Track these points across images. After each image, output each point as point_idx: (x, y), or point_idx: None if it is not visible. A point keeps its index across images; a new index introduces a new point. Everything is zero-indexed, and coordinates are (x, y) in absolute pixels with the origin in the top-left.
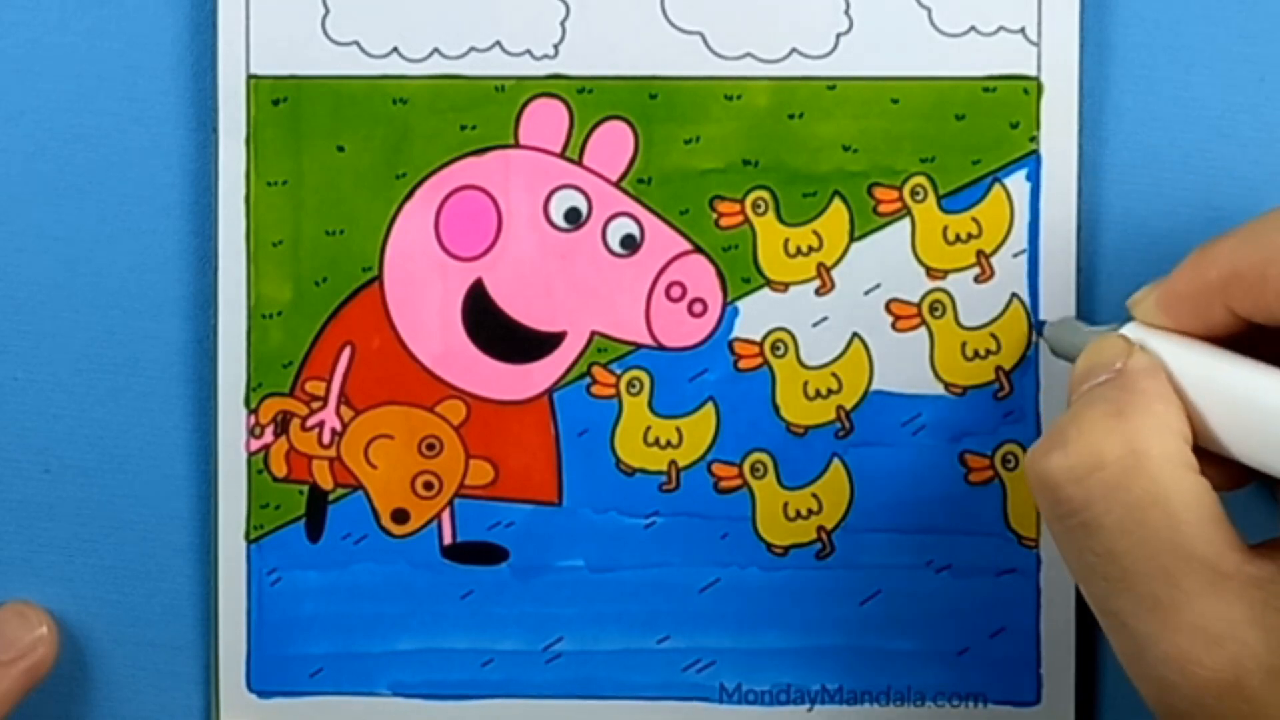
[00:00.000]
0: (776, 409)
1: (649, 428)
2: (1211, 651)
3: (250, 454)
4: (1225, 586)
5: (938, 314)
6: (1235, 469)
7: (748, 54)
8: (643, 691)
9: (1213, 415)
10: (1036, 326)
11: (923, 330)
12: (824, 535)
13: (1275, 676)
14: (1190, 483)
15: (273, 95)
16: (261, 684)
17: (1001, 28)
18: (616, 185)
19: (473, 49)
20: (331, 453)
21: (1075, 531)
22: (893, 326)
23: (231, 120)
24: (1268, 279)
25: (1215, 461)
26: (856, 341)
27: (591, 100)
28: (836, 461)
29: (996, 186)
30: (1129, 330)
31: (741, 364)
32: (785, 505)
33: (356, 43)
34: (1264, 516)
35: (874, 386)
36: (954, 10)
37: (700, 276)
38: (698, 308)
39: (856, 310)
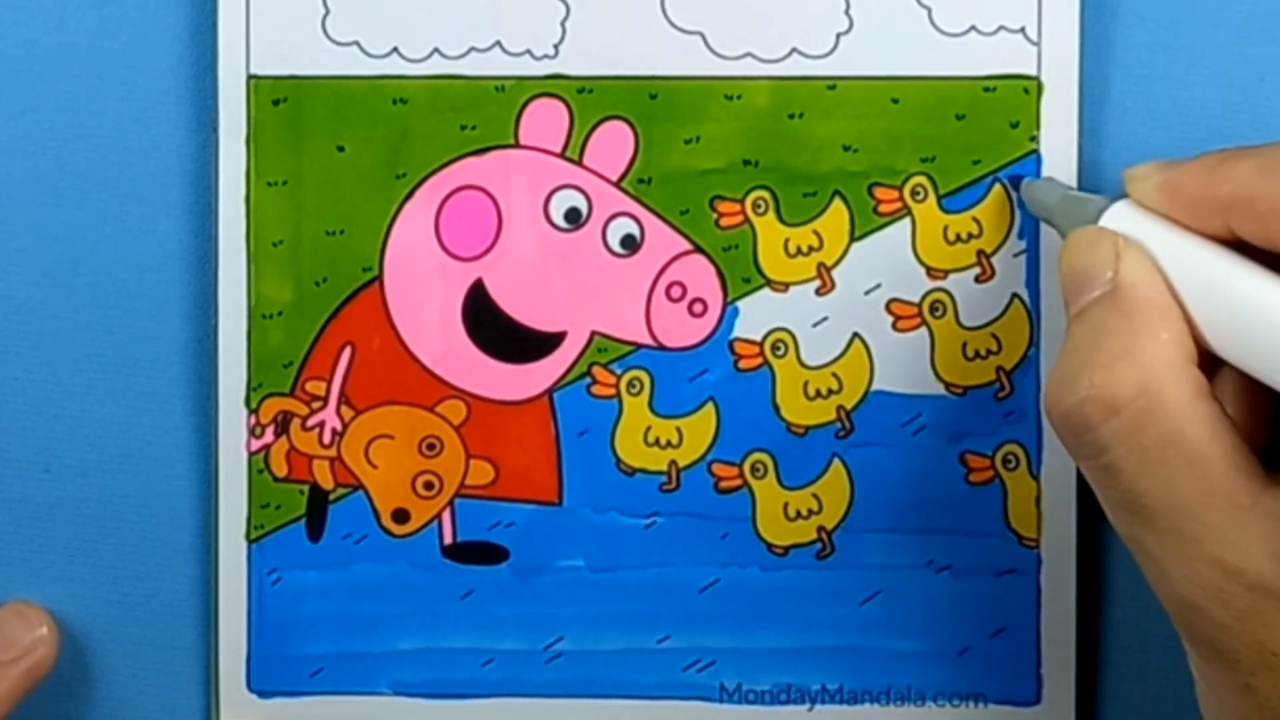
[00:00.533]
0: (777, 409)
1: (649, 428)
2: (1230, 580)
3: (251, 454)
4: (1243, 519)
5: (938, 314)
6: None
7: (748, 54)
8: (643, 691)
9: (1202, 316)
10: (1012, 181)
11: (923, 330)
12: (824, 535)
13: None
14: (1205, 413)
15: (273, 95)
16: (261, 684)
17: (1001, 27)
18: (616, 185)
19: (473, 49)
20: (332, 453)
21: (1097, 471)
22: (893, 326)
23: (231, 120)
24: None
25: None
26: (857, 341)
27: (591, 100)
28: (837, 461)
29: (997, 186)
30: (1119, 211)
31: (742, 364)
32: (785, 505)
33: (356, 43)
34: None
35: (874, 386)
36: (954, 10)
37: (700, 276)
38: (698, 308)
39: (857, 310)
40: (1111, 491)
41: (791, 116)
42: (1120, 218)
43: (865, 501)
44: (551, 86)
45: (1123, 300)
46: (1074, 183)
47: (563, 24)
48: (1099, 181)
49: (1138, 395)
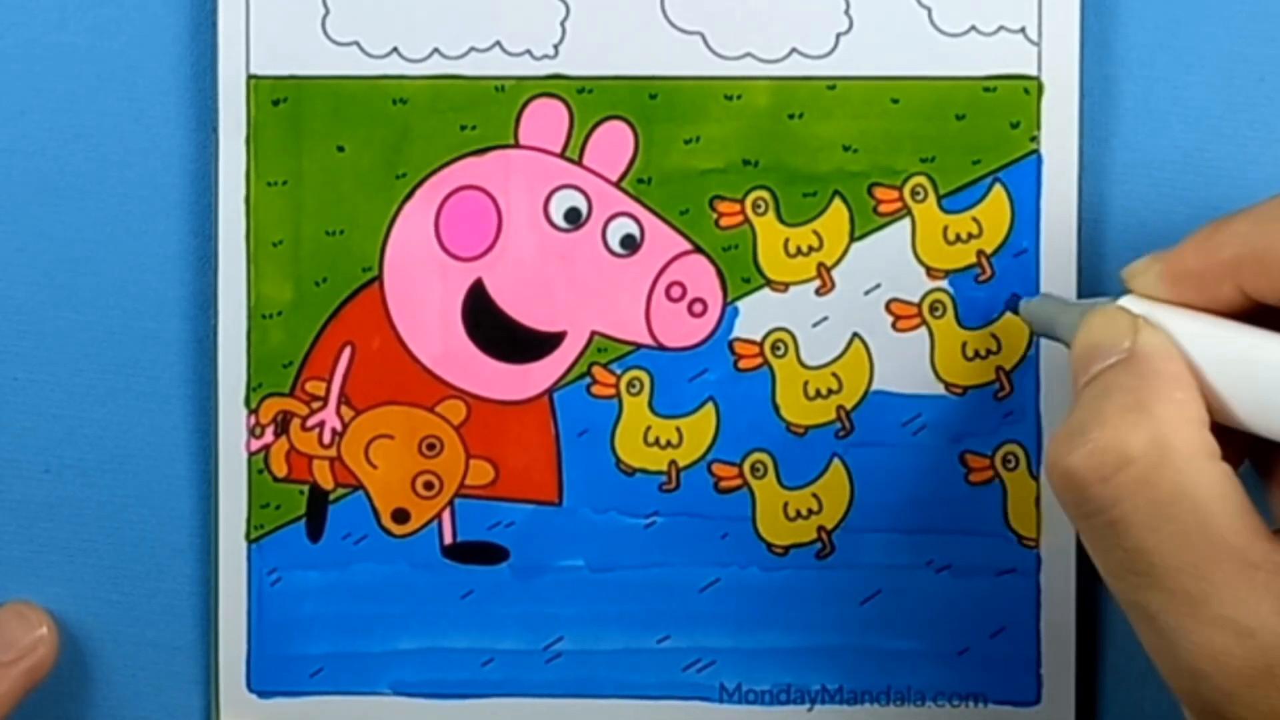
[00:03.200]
0: (776, 409)
1: (649, 428)
2: (1243, 642)
3: (250, 454)
4: (1254, 577)
5: (938, 314)
6: (1240, 442)
7: (748, 54)
8: (643, 691)
9: (1226, 390)
10: (1009, 303)
11: (923, 330)
12: (824, 535)
13: None
14: (1216, 473)
15: (273, 95)
16: (261, 684)
17: (1002, 27)
18: (616, 185)
19: (473, 49)
20: (332, 453)
21: (1102, 529)
22: (893, 326)
23: (231, 120)
24: None
25: (1223, 435)
26: (856, 341)
27: (591, 100)
28: (836, 461)
29: (997, 186)
30: (1128, 303)
31: (741, 364)
32: (785, 505)
33: (356, 43)
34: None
35: (874, 386)
36: (954, 10)
37: (700, 276)
38: (698, 308)
39: (856, 310)
40: (1116, 551)
41: (791, 116)
42: (1130, 306)
43: (865, 501)
44: (551, 86)
45: (1138, 364)
46: (1074, 184)
47: (563, 24)
48: (1099, 184)
49: (1149, 449)
